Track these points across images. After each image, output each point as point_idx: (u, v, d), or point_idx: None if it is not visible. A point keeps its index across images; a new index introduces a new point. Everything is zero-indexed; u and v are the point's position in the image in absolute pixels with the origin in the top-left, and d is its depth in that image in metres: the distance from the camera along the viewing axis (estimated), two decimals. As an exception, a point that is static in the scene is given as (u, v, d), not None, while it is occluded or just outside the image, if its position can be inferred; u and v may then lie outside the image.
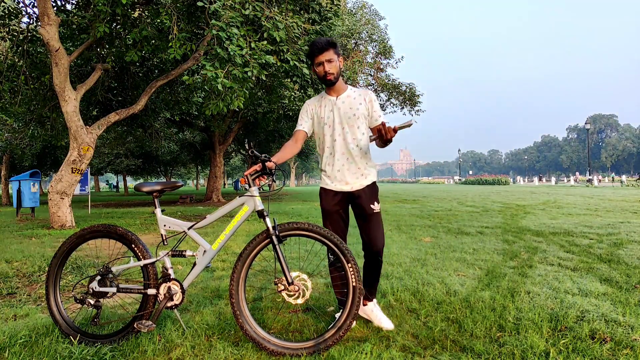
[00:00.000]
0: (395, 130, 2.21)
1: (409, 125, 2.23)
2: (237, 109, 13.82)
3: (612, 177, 36.90)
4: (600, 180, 47.53)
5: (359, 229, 2.53)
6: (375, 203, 2.48)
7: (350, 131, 2.47)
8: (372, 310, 2.56)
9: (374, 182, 2.53)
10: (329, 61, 2.39)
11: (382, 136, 2.22)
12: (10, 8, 8.76)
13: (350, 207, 2.57)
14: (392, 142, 2.28)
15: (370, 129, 2.54)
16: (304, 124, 2.58)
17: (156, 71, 11.33)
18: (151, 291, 2.31)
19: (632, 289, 3.24)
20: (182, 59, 9.10)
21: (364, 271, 2.58)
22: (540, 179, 62.57)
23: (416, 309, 2.81)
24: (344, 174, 2.47)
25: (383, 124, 2.23)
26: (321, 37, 2.45)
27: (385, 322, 2.48)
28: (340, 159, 2.48)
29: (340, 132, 2.47)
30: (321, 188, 2.58)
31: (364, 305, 2.59)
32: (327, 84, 2.48)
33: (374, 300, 2.61)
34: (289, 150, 2.50)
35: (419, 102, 20.24)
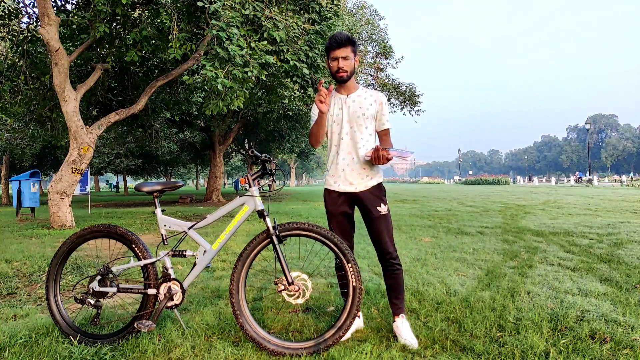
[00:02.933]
0: (388, 159, 2.24)
1: (404, 158, 2.26)
2: (237, 109, 13.82)
3: (631, 178, 35.66)
4: (615, 180, 47.02)
5: (368, 232, 2.45)
6: (382, 205, 2.39)
7: (358, 130, 2.40)
8: (398, 327, 2.37)
9: (380, 184, 2.46)
10: (345, 58, 2.33)
11: (373, 160, 2.27)
12: (10, 8, 8.76)
13: (358, 209, 2.49)
14: (387, 163, 2.28)
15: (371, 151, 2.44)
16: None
17: (156, 71, 11.33)
18: (151, 291, 2.31)
19: (632, 289, 3.25)
20: (182, 59, 9.09)
21: (385, 283, 2.48)
22: (530, 180, 62.57)
23: (416, 309, 2.81)
24: (349, 174, 2.40)
25: (377, 148, 2.24)
26: (342, 32, 2.36)
27: (410, 340, 2.27)
28: (345, 158, 2.41)
29: (348, 130, 2.41)
30: (325, 189, 2.51)
31: (393, 321, 2.44)
32: (338, 81, 2.41)
33: (402, 315, 2.41)
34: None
35: (419, 102, 20.24)
